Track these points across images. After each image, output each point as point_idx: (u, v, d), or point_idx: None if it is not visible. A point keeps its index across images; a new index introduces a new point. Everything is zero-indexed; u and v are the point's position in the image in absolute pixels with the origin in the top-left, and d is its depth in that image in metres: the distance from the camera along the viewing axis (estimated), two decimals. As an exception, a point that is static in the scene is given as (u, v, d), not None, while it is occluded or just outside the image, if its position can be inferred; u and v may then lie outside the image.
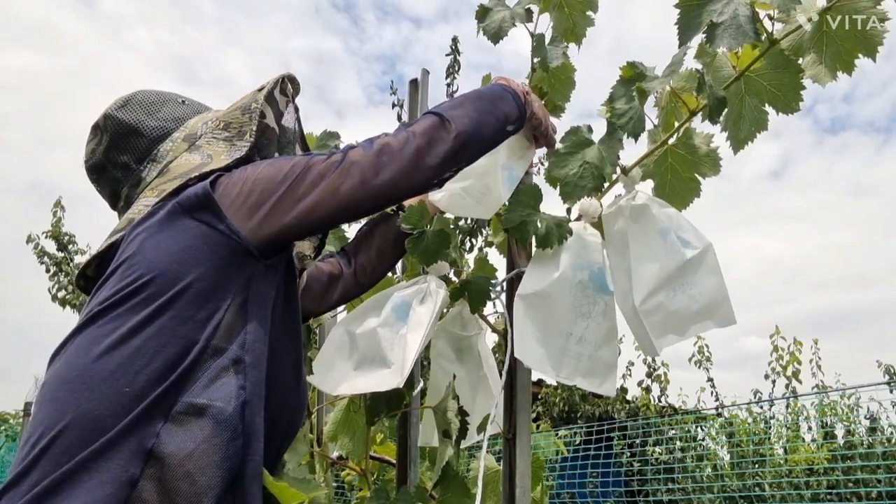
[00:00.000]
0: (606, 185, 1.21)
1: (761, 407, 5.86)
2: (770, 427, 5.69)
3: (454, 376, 1.25)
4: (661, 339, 1.13)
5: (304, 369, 1.00)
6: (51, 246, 8.40)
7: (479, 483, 1.09)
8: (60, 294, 8.14)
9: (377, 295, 1.27)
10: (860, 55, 1.06)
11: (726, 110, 1.13)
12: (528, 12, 1.27)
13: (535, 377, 1.34)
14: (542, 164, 1.99)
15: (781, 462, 5.36)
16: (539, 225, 1.15)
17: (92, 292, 0.90)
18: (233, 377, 0.81)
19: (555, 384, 7.52)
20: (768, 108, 1.14)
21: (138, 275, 0.83)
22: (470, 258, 1.39)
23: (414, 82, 1.53)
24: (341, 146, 1.46)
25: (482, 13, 1.28)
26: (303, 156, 0.94)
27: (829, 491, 4.85)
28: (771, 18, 1.09)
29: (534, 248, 1.20)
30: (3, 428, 9.74)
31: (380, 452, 1.70)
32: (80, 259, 8.37)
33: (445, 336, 1.30)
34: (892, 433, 5.12)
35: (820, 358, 6.70)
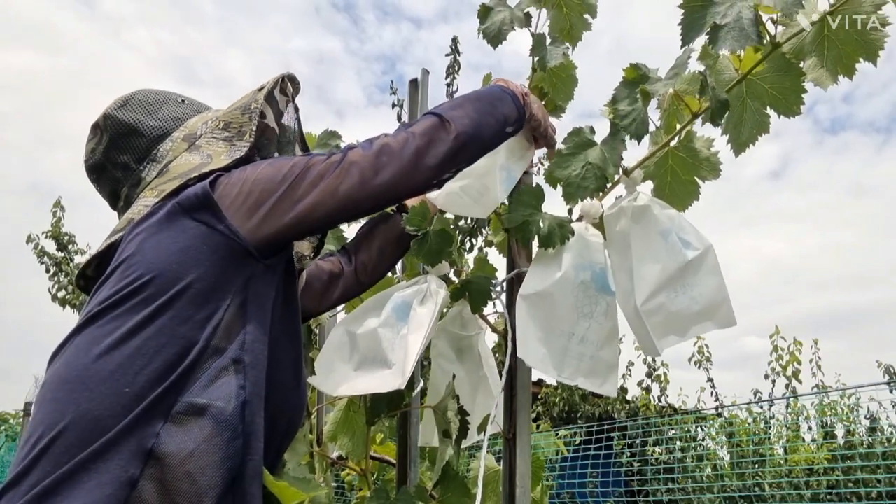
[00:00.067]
0: (608, 185, 1.21)
1: (761, 407, 5.86)
2: (770, 427, 5.69)
3: (454, 376, 1.25)
4: (662, 339, 1.14)
5: (304, 369, 1.00)
6: (51, 246, 8.41)
7: (479, 483, 1.09)
8: (60, 294, 8.15)
9: (377, 295, 1.27)
10: (861, 59, 1.07)
11: (728, 113, 1.13)
12: (528, 16, 1.27)
13: (535, 377, 1.34)
14: (541, 164, 1.99)
15: (781, 462, 5.36)
16: (541, 225, 1.15)
17: (91, 292, 0.90)
18: (232, 377, 0.81)
19: (555, 384, 7.53)
20: (770, 111, 1.15)
21: (138, 275, 0.83)
22: (470, 258, 1.39)
23: (414, 82, 1.53)
24: (342, 145, 1.46)
25: (484, 13, 1.28)
26: (302, 156, 0.94)
27: (829, 491, 4.85)
28: (774, 22, 1.09)
29: (535, 249, 1.20)
30: (3, 428, 9.74)
31: (380, 452, 1.70)
32: (80, 259, 8.37)
33: (445, 336, 1.30)
34: (892, 433, 5.12)
35: (820, 358, 6.71)
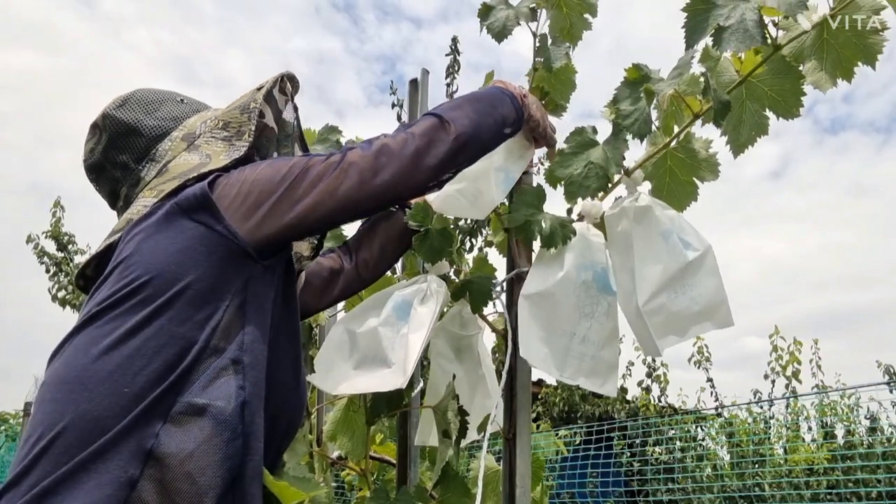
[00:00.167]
0: (609, 185, 1.21)
1: (761, 407, 5.86)
2: (770, 427, 5.69)
3: (454, 376, 1.25)
4: (662, 339, 1.14)
5: (304, 369, 1.00)
6: (51, 246, 8.40)
7: (479, 483, 1.09)
8: (60, 294, 8.14)
9: (377, 294, 1.27)
10: (860, 63, 1.08)
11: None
12: (533, 11, 1.27)
13: (535, 377, 1.34)
14: (541, 163, 1.99)
15: (781, 462, 5.36)
16: (543, 225, 1.15)
17: (90, 292, 0.90)
18: (232, 377, 0.81)
19: (555, 384, 7.53)
20: (769, 113, 1.15)
21: (136, 275, 0.83)
22: (470, 258, 1.39)
23: (414, 82, 1.52)
24: (342, 140, 1.46)
25: (484, 11, 1.28)
26: (301, 157, 0.93)
27: (829, 491, 4.85)
28: (775, 25, 1.10)
29: (535, 249, 1.20)
30: (3, 428, 9.73)
31: (380, 452, 1.70)
32: (80, 259, 8.37)
33: (445, 335, 1.30)
34: (892, 433, 5.12)
35: (820, 358, 6.71)
